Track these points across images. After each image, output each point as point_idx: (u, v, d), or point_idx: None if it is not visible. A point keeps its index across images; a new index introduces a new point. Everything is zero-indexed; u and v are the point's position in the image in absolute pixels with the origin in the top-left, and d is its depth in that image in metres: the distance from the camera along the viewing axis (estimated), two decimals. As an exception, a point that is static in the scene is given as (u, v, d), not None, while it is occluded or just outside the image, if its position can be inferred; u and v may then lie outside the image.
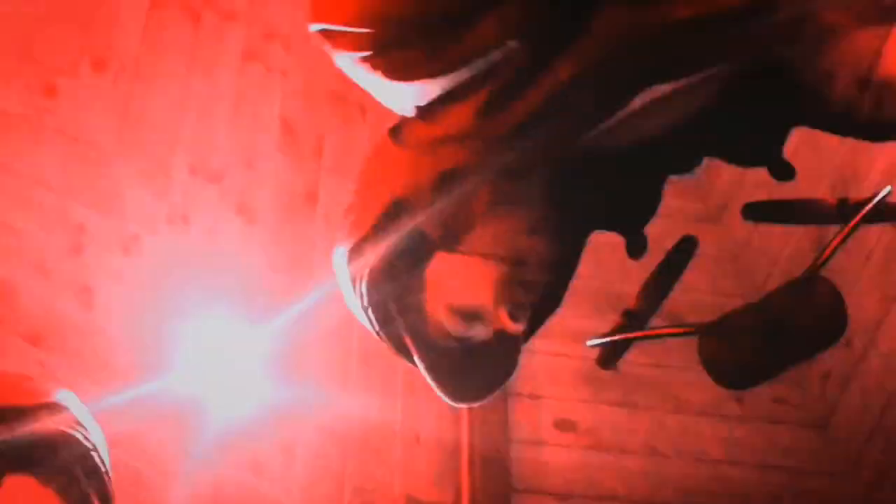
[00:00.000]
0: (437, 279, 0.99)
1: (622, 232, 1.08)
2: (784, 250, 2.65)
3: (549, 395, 2.46)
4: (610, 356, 1.18)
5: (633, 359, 1.23)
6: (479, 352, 1.02)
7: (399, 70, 0.92)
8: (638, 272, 1.21)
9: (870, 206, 1.07)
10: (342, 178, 2.38)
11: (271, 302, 2.19)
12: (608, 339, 1.16)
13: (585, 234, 1.08)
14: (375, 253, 0.97)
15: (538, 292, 1.00)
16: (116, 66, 2.32)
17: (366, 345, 2.16)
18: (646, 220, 1.08)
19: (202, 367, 2.16)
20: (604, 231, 1.08)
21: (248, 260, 2.31)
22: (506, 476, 2.31)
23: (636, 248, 1.08)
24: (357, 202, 1.01)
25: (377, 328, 1.02)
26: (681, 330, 1.16)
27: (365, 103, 2.44)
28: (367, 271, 0.97)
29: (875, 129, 1.01)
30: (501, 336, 0.99)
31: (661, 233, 1.18)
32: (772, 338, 1.09)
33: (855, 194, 1.14)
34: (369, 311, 1.00)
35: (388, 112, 1.03)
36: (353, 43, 0.89)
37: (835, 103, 0.98)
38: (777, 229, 2.58)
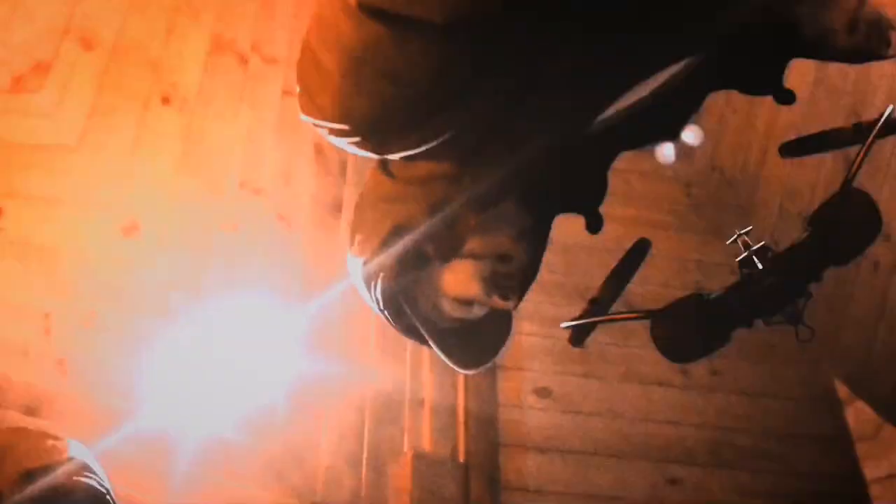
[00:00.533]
0: (438, 279, 1.10)
1: (581, 212, 1.16)
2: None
3: (530, 368, 2.78)
4: (579, 336, 1.32)
5: (597, 338, 1.42)
6: (478, 327, 1.13)
7: (381, 147, 1.02)
8: (600, 270, 1.37)
9: (881, 122, 1.18)
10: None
11: (305, 291, 2.51)
12: (577, 321, 1.28)
13: (551, 219, 1.17)
14: (384, 266, 1.08)
15: (520, 276, 1.11)
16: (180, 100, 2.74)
17: (380, 328, 2.48)
18: (599, 201, 1.16)
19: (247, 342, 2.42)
20: (566, 213, 1.16)
21: (286, 257, 2.66)
22: (494, 433, 2.64)
23: (593, 225, 1.16)
24: (363, 224, 1.13)
25: (391, 321, 1.16)
26: (636, 315, 1.26)
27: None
28: (379, 278, 1.10)
29: (860, 55, 1.10)
30: (496, 312, 1.13)
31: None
32: (710, 321, 1.21)
33: (867, 118, 1.24)
34: (385, 310, 1.14)
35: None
36: (339, 132, 0.97)
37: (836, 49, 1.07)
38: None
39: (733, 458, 2.75)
